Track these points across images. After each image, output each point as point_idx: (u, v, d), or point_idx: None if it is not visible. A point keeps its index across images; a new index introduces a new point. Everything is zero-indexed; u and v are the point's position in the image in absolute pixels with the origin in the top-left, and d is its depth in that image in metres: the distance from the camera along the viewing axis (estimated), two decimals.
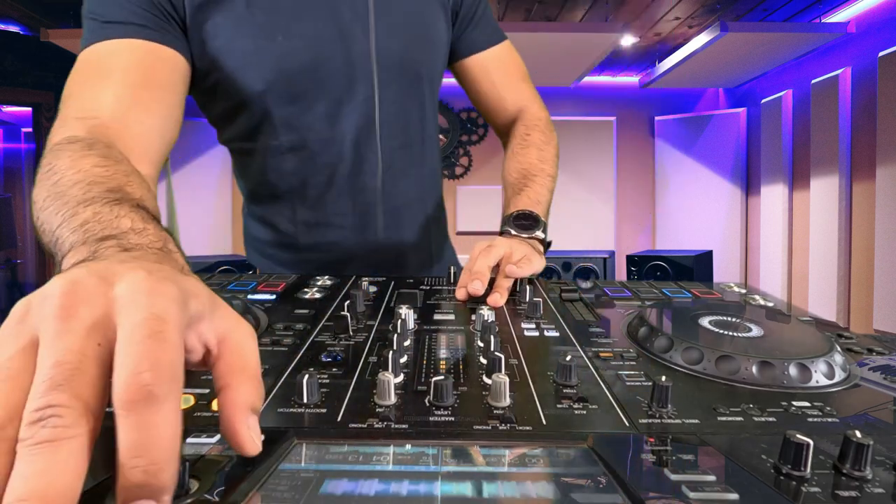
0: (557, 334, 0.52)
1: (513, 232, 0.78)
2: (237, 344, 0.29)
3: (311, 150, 0.83)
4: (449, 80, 1.01)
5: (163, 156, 0.68)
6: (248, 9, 0.73)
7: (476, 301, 0.63)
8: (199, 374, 0.42)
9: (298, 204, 0.87)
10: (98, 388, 0.23)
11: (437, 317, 0.57)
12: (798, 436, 0.28)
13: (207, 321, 0.28)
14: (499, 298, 0.62)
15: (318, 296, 0.65)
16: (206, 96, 0.81)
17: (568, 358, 0.41)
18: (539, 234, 0.79)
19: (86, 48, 0.67)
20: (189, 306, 0.27)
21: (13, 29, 4.26)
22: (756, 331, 0.48)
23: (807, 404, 0.38)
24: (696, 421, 0.35)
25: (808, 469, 0.28)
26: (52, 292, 0.25)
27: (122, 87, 0.64)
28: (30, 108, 4.65)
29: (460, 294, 0.65)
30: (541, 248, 0.79)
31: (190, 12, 0.71)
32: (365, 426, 0.34)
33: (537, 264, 0.73)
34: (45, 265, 4.67)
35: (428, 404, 0.37)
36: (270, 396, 0.38)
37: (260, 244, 0.93)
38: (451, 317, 0.57)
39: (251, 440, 0.27)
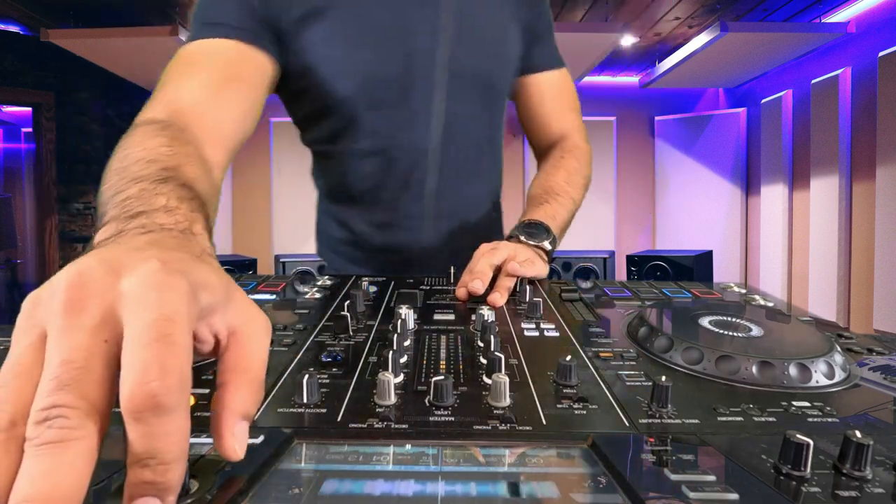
0: (557, 334, 0.52)
1: (521, 238, 0.78)
2: (246, 340, 0.28)
3: (390, 155, 0.87)
4: None
5: (237, 144, 0.71)
6: (341, 23, 0.79)
7: (476, 300, 0.63)
8: (200, 374, 0.42)
9: (372, 206, 0.91)
10: (105, 387, 0.23)
11: (437, 317, 0.57)
12: (798, 436, 0.28)
13: (220, 313, 0.28)
14: (498, 298, 0.62)
15: (318, 296, 0.65)
16: (295, 98, 0.86)
17: (568, 358, 0.41)
18: (546, 244, 0.79)
19: (186, 44, 0.73)
20: (200, 299, 0.26)
21: (13, 29, 4.26)
22: (756, 331, 0.48)
23: (807, 404, 0.38)
24: (696, 421, 0.35)
25: (808, 469, 0.28)
26: (59, 285, 0.24)
27: (207, 79, 0.69)
28: (30, 108, 4.65)
29: (460, 293, 0.65)
30: (545, 257, 0.79)
31: (289, 24, 0.77)
32: (365, 426, 0.34)
33: (540, 268, 0.74)
34: (45, 265, 4.67)
35: (428, 404, 0.37)
36: (270, 396, 0.38)
37: (332, 241, 0.97)
38: (451, 317, 0.57)
39: (232, 448, 0.26)
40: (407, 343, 0.47)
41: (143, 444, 0.22)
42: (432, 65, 0.84)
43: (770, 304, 0.64)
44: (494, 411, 0.36)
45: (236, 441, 0.26)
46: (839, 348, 0.45)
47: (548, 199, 0.87)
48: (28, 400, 0.22)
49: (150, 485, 0.22)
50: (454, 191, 0.91)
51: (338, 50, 0.79)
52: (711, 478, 0.28)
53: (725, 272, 4.83)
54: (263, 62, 0.75)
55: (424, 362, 0.44)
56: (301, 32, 0.77)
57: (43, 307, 0.24)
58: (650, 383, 0.38)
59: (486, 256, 0.68)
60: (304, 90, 0.82)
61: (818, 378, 0.41)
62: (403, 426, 0.34)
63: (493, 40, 0.89)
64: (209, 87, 0.68)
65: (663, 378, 0.37)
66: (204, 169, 0.52)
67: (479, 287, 0.63)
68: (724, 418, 0.35)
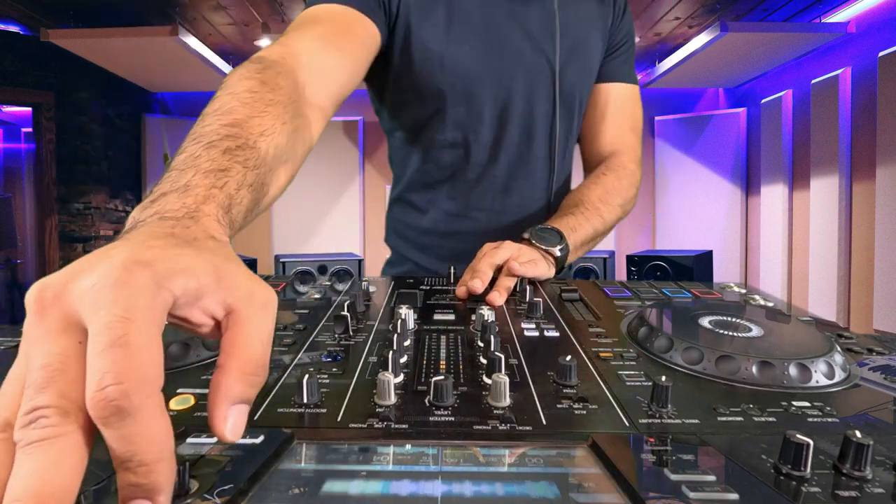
0: (557, 334, 0.52)
1: (532, 240, 0.78)
2: (243, 319, 0.27)
3: (470, 148, 0.91)
4: None
5: (341, 93, 0.74)
6: (447, 18, 0.85)
7: (476, 300, 0.63)
8: (199, 374, 0.42)
9: (444, 194, 0.95)
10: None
11: (437, 317, 0.57)
12: (798, 436, 0.28)
13: (211, 294, 0.27)
14: (497, 297, 0.62)
15: (317, 296, 0.65)
16: (388, 84, 0.90)
17: (568, 358, 0.41)
18: (556, 250, 0.77)
19: (309, 7, 0.79)
20: (169, 287, 0.26)
21: (13, 29, 4.26)
22: (756, 331, 0.48)
23: (807, 404, 0.38)
24: (696, 421, 0.35)
25: (808, 469, 0.28)
26: (27, 300, 0.25)
27: (322, 31, 0.74)
28: (30, 108, 4.64)
29: (460, 291, 0.65)
30: (552, 260, 0.78)
31: (401, 12, 0.83)
32: (365, 426, 0.34)
33: (543, 270, 0.73)
34: (45, 265, 4.67)
35: (428, 404, 0.37)
36: (270, 396, 0.38)
37: (401, 226, 1.01)
38: (451, 317, 0.57)
39: (222, 432, 0.26)
40: (407, 343, 0.47)
41: (118, 447, 0.22)
42: (531, 69, 0.89)
43: (770, 304, 0.64)
44: (494, 411, 0.36)
45: (227, 426, 0.26)
46: (839, 348, 0.45)
47: (574, 212, 0.86)
48: (19, 405, 0.23)
49: (136, 487, 0.22)
50: (526, 188, 0.94)
51: (440, 43, 0.84)
52: (711, 478, 0.28)
53: (725, 272, 4.83)
54: (373, 31, 0.80)
55: (424, 362, 0.44)
56: (410, 21, 0.83)
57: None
58: (650, 383, 0.38)
59: (488, 256, 0.68)
60: (401, 76, 0.86)
61: (818, 378, 0.41)
62: (403, 426, 0.34)
63: (585, 50, 0.94)
64: (323, 37, 0.73)
65: (663, 378, 0.37)
66: (285, 118, 0.54)
67: (478, 286, 0.63)
68: (724, 418, 0.35)
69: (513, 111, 0.90)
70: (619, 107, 1.00)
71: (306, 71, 0.65)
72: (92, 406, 0.22)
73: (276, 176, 0.52)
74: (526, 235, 0.79)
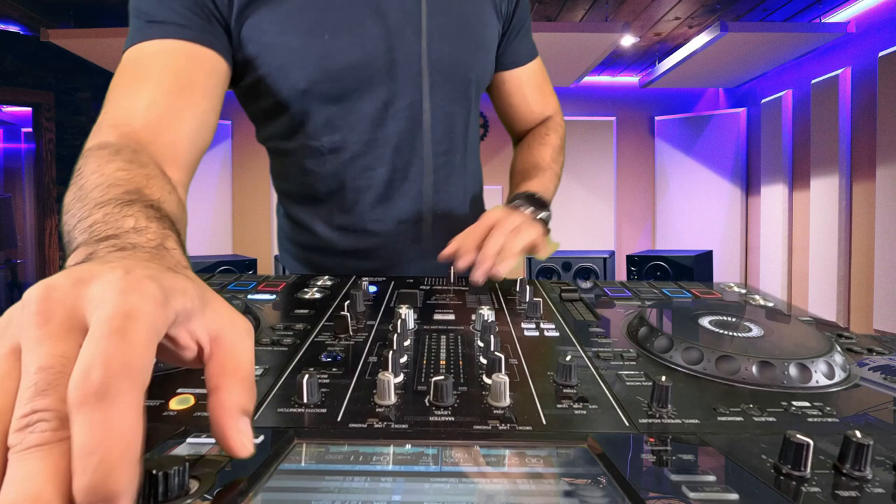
0: (557, 334, 0.52)
1: (521, 209, 0.75)
2: (230, 343, 0.28)
3: (352, 152, 0.81)
4: None
5: (194, 160, 0.68)
6: (296, 6, 0.72)
7: (476, 292, 0.64)
8: (200, 374, 0.42)
9: (335, 208, 0.84)
10: None
11: (437, 317, 0.57)
12: (798, 436, 0.28)
13: (198, 318, 0.28)
14: (502, 270, 0.63)
15: (318, 296, 0.65)
16: (247, 93, 0.80)
17: (568, 358, 0.41)
18: (543, 214, 0.77)
19: (129, 48, 0.67)
20: (172, 303, 0.26)
21: (13, 29, 4.26)
22: (756, 331, 0.48)
23: (807, 404, 0.38)
24: (696, 421, 0.35)
25: (808, 469, 0.28)
26: (29, 299, 0.24)
27: (156, 93, 0.63)
28: (30, 108, 4.64)
29: (449, 251, 0.67)
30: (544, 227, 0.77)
31: (236, 10, 0.70)
32: (365, 426, 0.34)
33: (533, 231, 0.71)
34: (45, 265, 4.67)
35: (428, 404, 0.37)
36: (270, 396, 0.38)
37: (294, 247, 0.91)
38: (451, 317, 0.57)
39: (241, 444, 0.26)
40: (407, 343, 0.47)
41: (83, 436, 0.20)
42: (400, 53, 0.78)
43: (770, 304, 0.64)
44: (494, 411, 0.36)
45: (243, 436, 0.26)
46: (839, 348, 0.45)
47: (538, 174, 0.87)
48: (5, 406, 0.22)
49: (94, 489, 0.20)
50: (426, 191, 0.85)
51: (292, 37, 0.72)
52: (711, 478, 0.28)
53: (725, 272, 4.83)
54: (215, 62, 0.69)
55: (424, 362, 0.44)
56: (250, 18, 0.70)
57: (15, 323, 0.24)
58: (650, 383, 0.38)
59: (473, 229, 0.69)
60: (256, 83, 0.75)
61: (818, 378, 0.41)
62: (403, 426, 0.34)
63: (472, 28, 0.84)
64: (159, 103, 0.63)
65: (663, 378, 0.37)
66: (167, 188, 0.51)
67: (462, 266, 0.65)
68: (724, 418, 0.35)
69: (397, 104, 0.79)
70: (536, 85, 0.99)
71: (154, 150, 0.59)
72: (73, 387, 0.21)
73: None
74: (514, 203, 0.76)
